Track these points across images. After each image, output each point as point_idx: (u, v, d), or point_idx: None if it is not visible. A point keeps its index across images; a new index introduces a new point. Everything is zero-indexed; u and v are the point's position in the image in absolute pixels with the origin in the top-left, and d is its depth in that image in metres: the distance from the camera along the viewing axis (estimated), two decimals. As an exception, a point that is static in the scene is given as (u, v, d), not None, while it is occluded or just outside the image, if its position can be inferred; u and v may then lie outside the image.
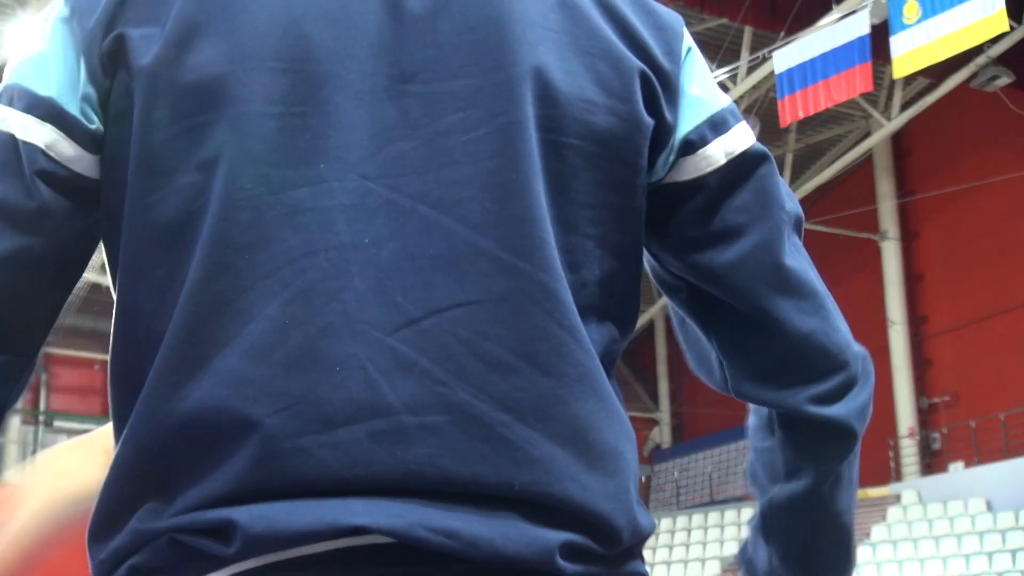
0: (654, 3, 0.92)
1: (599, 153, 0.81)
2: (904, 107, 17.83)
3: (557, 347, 0.75)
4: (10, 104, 0.81)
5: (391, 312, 0.74)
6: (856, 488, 0.96)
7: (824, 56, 13.89)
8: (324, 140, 0.76)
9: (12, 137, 0.80)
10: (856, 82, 13.69)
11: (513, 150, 0.77)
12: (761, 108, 17.41)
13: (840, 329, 0.90)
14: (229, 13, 0.78)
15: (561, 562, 0.72)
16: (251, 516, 0.70)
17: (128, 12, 0.79)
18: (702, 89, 0.89)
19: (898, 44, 13.35)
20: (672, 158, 0.86)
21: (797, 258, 0.88)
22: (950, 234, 19.19)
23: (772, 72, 14.68)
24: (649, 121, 0.82)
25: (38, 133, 0.79)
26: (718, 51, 16.69)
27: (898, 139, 19.61)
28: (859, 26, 13.59)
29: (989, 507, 16.87)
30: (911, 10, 13.23)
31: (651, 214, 0.87)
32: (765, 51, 15.13)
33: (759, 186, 0.88)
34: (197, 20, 0.78)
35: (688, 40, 0.90)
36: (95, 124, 0.80)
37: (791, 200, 0.91)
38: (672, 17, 0.90)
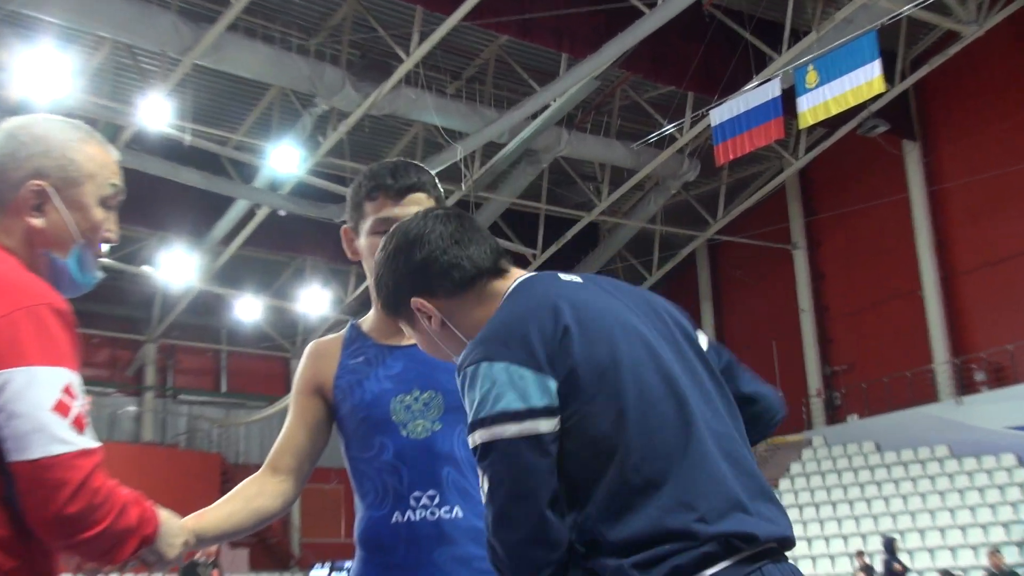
0: None
1: None
2: (808, 149, 22.69)
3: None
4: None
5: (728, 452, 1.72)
6: None
7: (747, 112, 17.09)
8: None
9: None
10: (771, 131, 16.92)
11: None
12: (701, 152, 22.27)
13: None
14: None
15: None
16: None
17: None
18: None
19: (802, 103, 16.41)
20: None
21: None
22: (844, 243, 24.08)
23: (709, 125, 18.08)
24: None
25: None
26: (668, 110, 21.08)
27: (804, 173, 24.40)
28: (772, 90, 16.88)
29: (878, 448, 21.62)
30: (811, 77, 16.44)
31: None
32: (704, 110, 18.90)
33: None
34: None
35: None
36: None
37: None
38: None
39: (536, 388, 1.70)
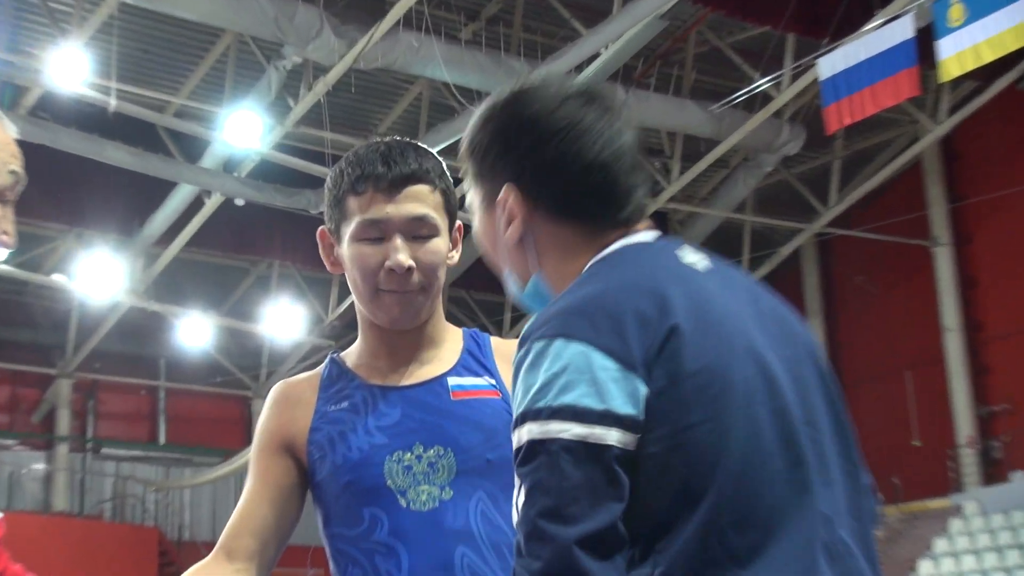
0: None
1: None
2: (952, 111, 22.55)
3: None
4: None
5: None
6: None
7: (869, 61, 17.26)
8: None
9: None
10: (902, 87, 17.15)
11: None
12: (807, 116, 22.34)
13: None
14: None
15: None
16: None
17: None
18: None
19: (944, 47, 16.44)
20: None
21: None
22: (1005, 238, 23.94)
23: (816, 79, 18.30)
24: None
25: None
26: (761, 59, 21.07)
27: (947, 143, 24.42)
28: (903, 30, 16.96)
29: (1054, 517, 21.45)
30: (956, 12, 16.39)
31: None
32: (809, 58, 18.96)
33: None
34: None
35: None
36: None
37: None
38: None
39: (621, 389, 1.67)
